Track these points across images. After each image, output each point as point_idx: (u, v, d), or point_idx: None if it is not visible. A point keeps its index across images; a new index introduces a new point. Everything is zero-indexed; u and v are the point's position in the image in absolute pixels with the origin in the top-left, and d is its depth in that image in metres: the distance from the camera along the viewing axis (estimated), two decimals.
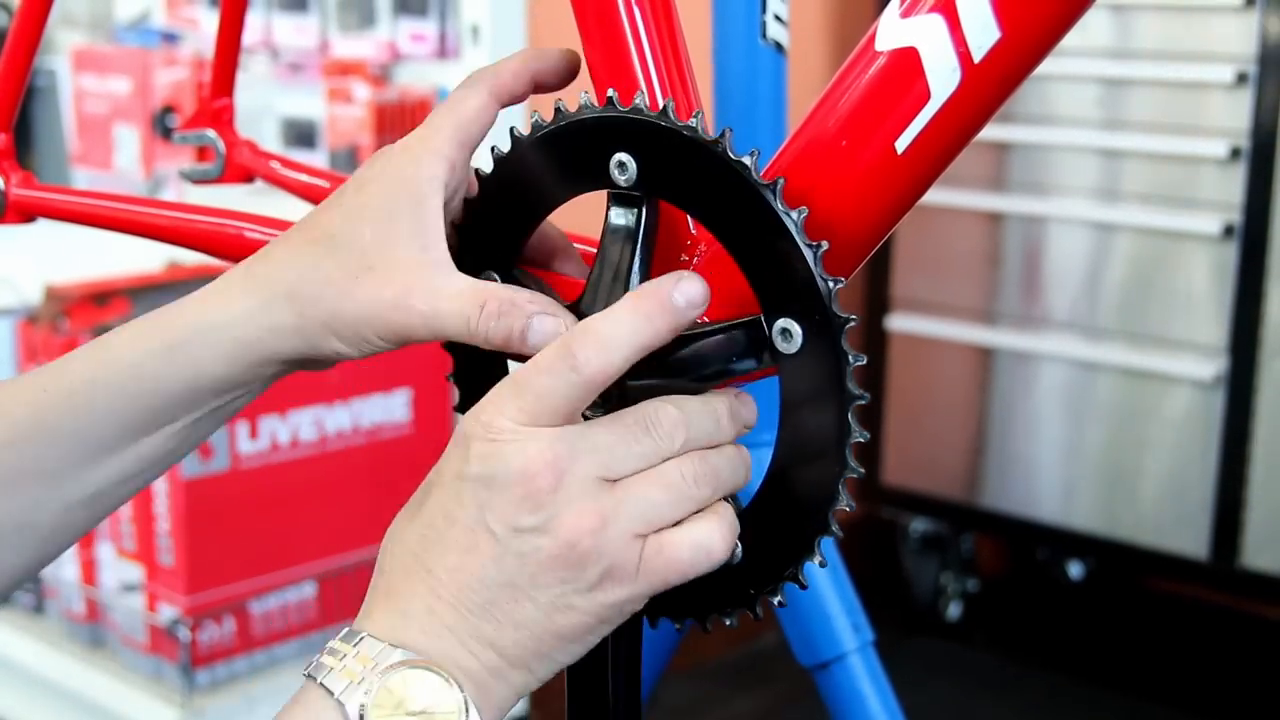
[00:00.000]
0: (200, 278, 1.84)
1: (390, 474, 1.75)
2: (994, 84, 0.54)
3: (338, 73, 2.02)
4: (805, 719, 1.74)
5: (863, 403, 0.56)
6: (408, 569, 0.55)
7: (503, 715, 0.55)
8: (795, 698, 2.20)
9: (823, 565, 0.59)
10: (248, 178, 0.99)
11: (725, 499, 0.57)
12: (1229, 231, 2.05)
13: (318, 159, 2.03)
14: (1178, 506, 2.15)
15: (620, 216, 0.60)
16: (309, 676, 0.53)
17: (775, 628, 1.06)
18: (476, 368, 0.66)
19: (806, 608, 1.03)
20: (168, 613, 1.63)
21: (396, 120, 1.96)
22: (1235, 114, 2.04)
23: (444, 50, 1.94)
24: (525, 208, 0.63)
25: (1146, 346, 2.16)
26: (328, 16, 2.06)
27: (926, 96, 0.54)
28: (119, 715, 1.68)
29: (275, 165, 0.97)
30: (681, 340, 0.58)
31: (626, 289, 0.59)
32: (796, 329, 0.56)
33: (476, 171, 0.65)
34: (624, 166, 0.59)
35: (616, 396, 0.58)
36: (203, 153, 1.01)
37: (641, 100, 0.58)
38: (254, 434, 1.63)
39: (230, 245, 0.80)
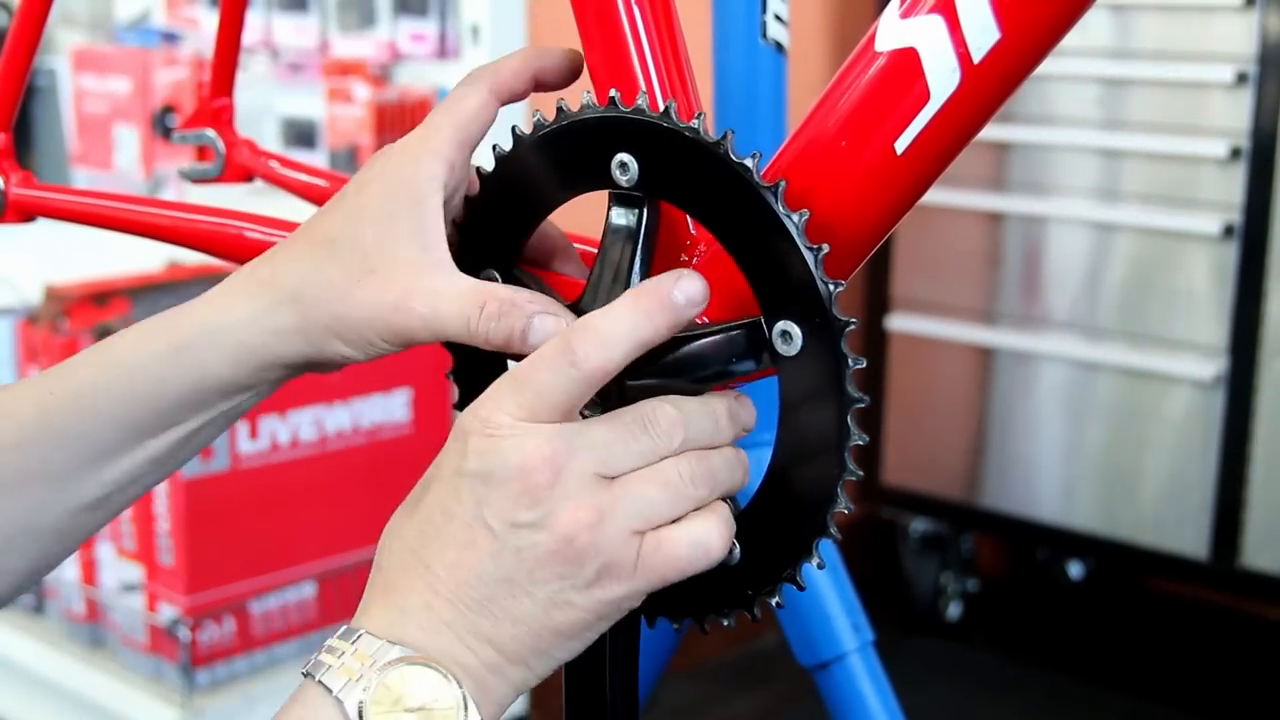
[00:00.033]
0: (200, 278, 1.84)
1: (390, 474, 1.75)
2: (994, 84, 0.54)
3: (338, 73, 2.02)
4: (805, 719, 1.74)
5: (862, 405, 0.56)
6: (405, 565, 0.55)
7: (502, 712, 0.55)
8: (795, 698, 2.20)
9: (821, 567, 0.59)
10: (247, 177, 0.99)
11: (723, 500, 0.57)
12: (1229, 231, 2.05)
13: (318, 159, 2.03)
14: (1178, 506, 2.15)
15: (621, 217, 0.60)
16: (307, 675, 0.53)
17: (775, 628, 1.06)
18: (476, 366, 0.66)
19: (806, 608, 1.03)
20: (168, 613, 1.63)
21: (396, 120, 1.96)
22: (1235, 114, 2.04)
23: (444, 50, 1.94)
24: (526, 207, 0.63)
25: (1146, 346, 2.16)
26: (328, 16, 2.06)
27: (926, 97, 0.54)
28: (119, 715, 1.69)
29: (275, 165, 0.97)
30: (681, 341, 0.58)
31: (627, 289, 0.59)
32: (796, 331, 0.56)
33: (478, 170, 0.65)
34: (625, 167, 0.59)
35: (616, 396, 0.58)
36: (202, 152, 1.01)
37: (644, 101, 0.58)
38: (254, 434, 1.63)
39: (230, 245, 0.80)
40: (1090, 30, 2.17)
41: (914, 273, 2.41)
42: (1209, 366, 2.09)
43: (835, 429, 0.56)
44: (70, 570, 1.74)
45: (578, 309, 0.61)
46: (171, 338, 0.63)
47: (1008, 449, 2.35)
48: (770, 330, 0.57)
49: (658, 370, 0.58)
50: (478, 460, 0.54)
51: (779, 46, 1.01)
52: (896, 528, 2.51)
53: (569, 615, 0.54)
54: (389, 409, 1.77)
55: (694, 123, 0.57)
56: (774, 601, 0.60)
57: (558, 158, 0.61)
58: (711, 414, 0.57)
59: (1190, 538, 2.14)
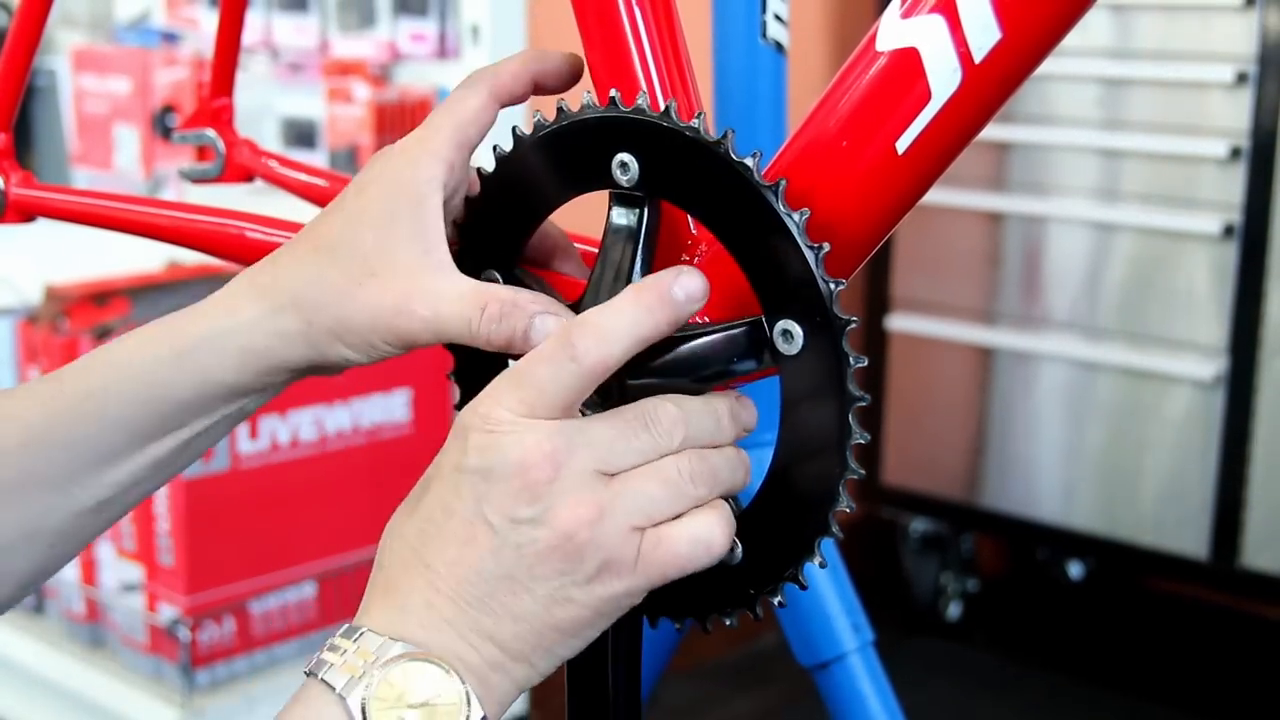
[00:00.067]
0: (200, 278, 1.84)
1: (390, 474, 1.75)
2: (995, 84, 0.54)
3: (338, 72, 2.02)
4: (805, 719, 1.74)
5: (863, 404, 0.56)
6: (406, 563, 0.55)
7: (505, 709, 0.54)
8: (795, 698, 2.20)
9: (822, 566, 0.59)
10: (247, 177, 0.99)
11: (725, 499, 0.57)
12: (1229, 231, 2.05)
13: (318, 159, 2.03)
14: (1178, 506, 2.15)
15: (622, 216, 0.60)
16: (309, 674, 0.53)
17: (775, 628, 1.06)
18: (477, 366, 0.66)
19: (806, 608, 1.03)
20: (168, 613, 1.63)
21: (396, 120, 1.96)
22: (1235, 114, 2.04)
23: (444, 50, 1.94)
24: (527, 207, 0.63)
25: (1146, 346, 2.16)
26: (328, 16, 2.06)
27: (927, 97, 0.54)
28: (119, 715, 1.68)
29: (274, 165, 0.97)
30: (682, 340, 0.58)
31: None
32: (797, 330, 0.56)
33: (479, 170, 0.65)
34: (626, 167, 0.59)
35: (617, 395, 0.58)
36: (202, 152, 1.01)
37: (644, 100, 0.58)
38: (254, 434, 1.63)
39: (230, 245, 0.80)
40: (1090, 30, 2.17)
41: (914, 273, 2.41)
42: (1209, 366, 2.09)
43: (836, 428, 0.56)
44: (70, 570, 1.74)
45: (579, 309, 0.61)
46: (175, 342, 0.63)
47: (1008, 449, 2.35)
48: (771, 329, 0.57)
49: (659, 369, 0.58)
50: (478, 457, 0.54)
51: (779, 46, 1.01)
52: (896, 528, 2.51)
53: (570, 612, 0.54)
54: (389, 409, 1.77)
55: (694, 122, 0.57)
56: (776, 600, 0.60)
57: (558, 158, 0.61)
58: (713, 413, 0.57)
59: (1190, 538, 2.14)
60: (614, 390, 0.58)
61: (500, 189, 0.64)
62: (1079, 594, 2.43)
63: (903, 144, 0.55)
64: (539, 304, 0.59)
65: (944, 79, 0.54)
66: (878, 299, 2.44)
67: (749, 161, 0.56)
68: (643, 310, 0.55)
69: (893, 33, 0.55)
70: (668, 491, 0.55)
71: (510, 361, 0.64)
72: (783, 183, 0.55)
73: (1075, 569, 2.40)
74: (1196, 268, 2.10)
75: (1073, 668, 2.35)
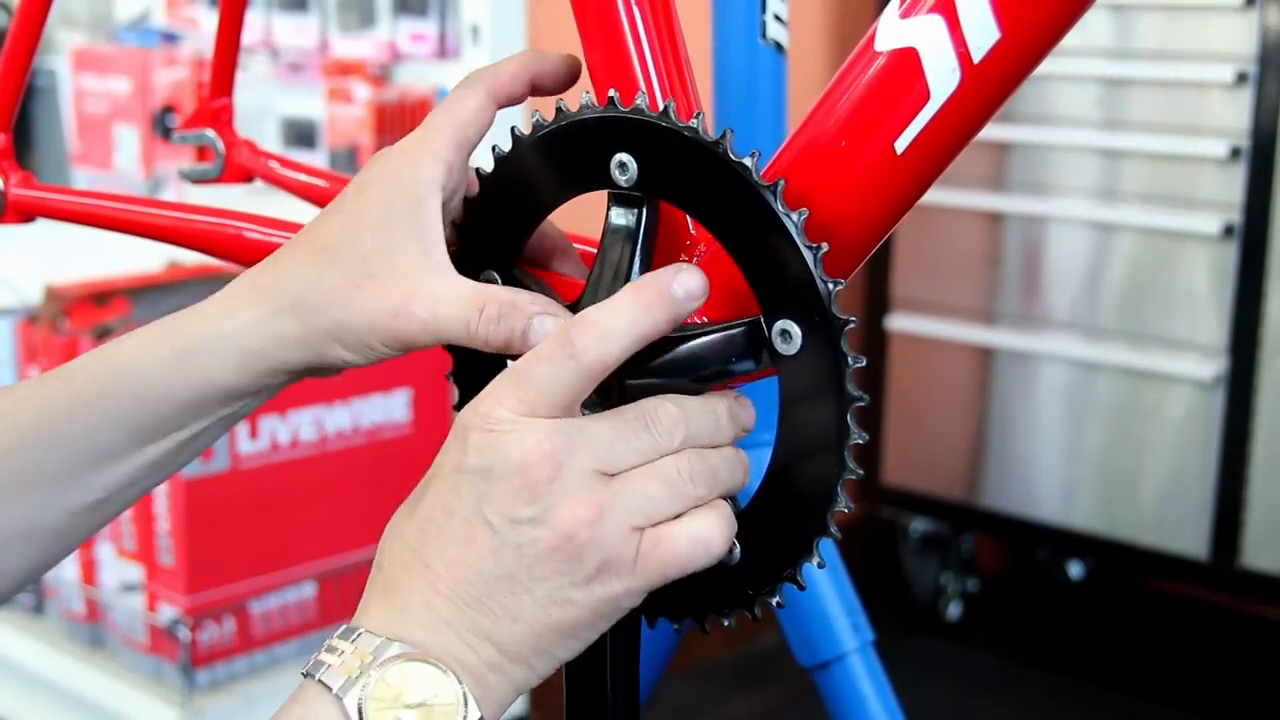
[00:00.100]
0: (200, 278, 1.84)
1: (390, 474, 1.75)
2: (994, 84, 0.54)
3: (338, 73, 2.02)
4: (805, 719, 1.74)
5: (862, 404, 0.56)
6: (405, 564, 0.55)
7: (503, 711, 0.54)
8: (795, 698, 2.20)
9: (821, 566, 0.59)
10: (247, 178, 0.99)
11: (724, 500, 0.57)
12: (1229, 231, 2.05)
13: (318, 159, 2.03)
14: (1178, 506, 2.15)
15: (620, 217, 0.60)
16: (307, 675, 0.53)
17: (775, 628, 1.06)
18: (476, 367, 0.66)
19: (806, 608, 1.03)
20: (168, 613, 1.63)
21: (396, 120, 1.96)
22: (1235, 114, 2.04)
23: (444, 50, 1.94)
24: (526, 207, 0.63)
25: (1146, 346, 2.16)
26: (328, 16, 2.06)
27: (926, 97, 0.54)
28: (119, 715, 1.68)
29: (274, 165, 0.97)
30: (681, 340, 0.58)
31: None
32: (796, 330, 0.56)
33: (477, 171, 0.65)
34: (625, 167, 0.59)
35: (616, 395, 0.58)
36: (202, 153, 1.01)
37: (643, 100, 0.58)
38: (254, 434, 1.63)
39: (229, 245, 0.80)
40: (1090, 30, 2.17)
41: (914, 273, 2.41)
42: (1209, 366, 2.09)
43: (835, 428, 0.56)
44: (70, 570, 1.74)
45: (578, 309, 0.60)
46: (174, 343, 0.64)
47: (1008, 449, 2.35)
48: (770, 329, 0.57)
49: (657, 369, 0.58)
50: (478, 456, 0.54)
51: (779, 46, 1.01)
52: (896, 528, 2.51)
53: (569, 613, 0.54)
54: (389, 409, 1.77)
55: (693, 122, 0.57)
56: (774, 601, 0.60)
57: (557, 158, 0.61)
58: (712, 413, 0.57)
59: (1190, 538, 2.14)
60: (613, 390, 0.58)
61: (499, 189, 0.64)
62: (1079, 594, 2.43)
63: (901, 144, 0.55)
64: (537, 305, 0.59)
65: (943, 79, 0.54)
66: (878, 299, 2.44)
67: (747, 161, 0.56)
68: (641, 308, 0.55)
69: (891, 33, 0.55)
70: (668, 491, 0.54)
71: (509, 362, 0.64)
72: (781, 182, 0.55)
73: (1075, 569, 2.40)
74: (1196, 268, 2.10)
75: (1073, 668, 2.35)
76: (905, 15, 0.55)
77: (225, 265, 1.46)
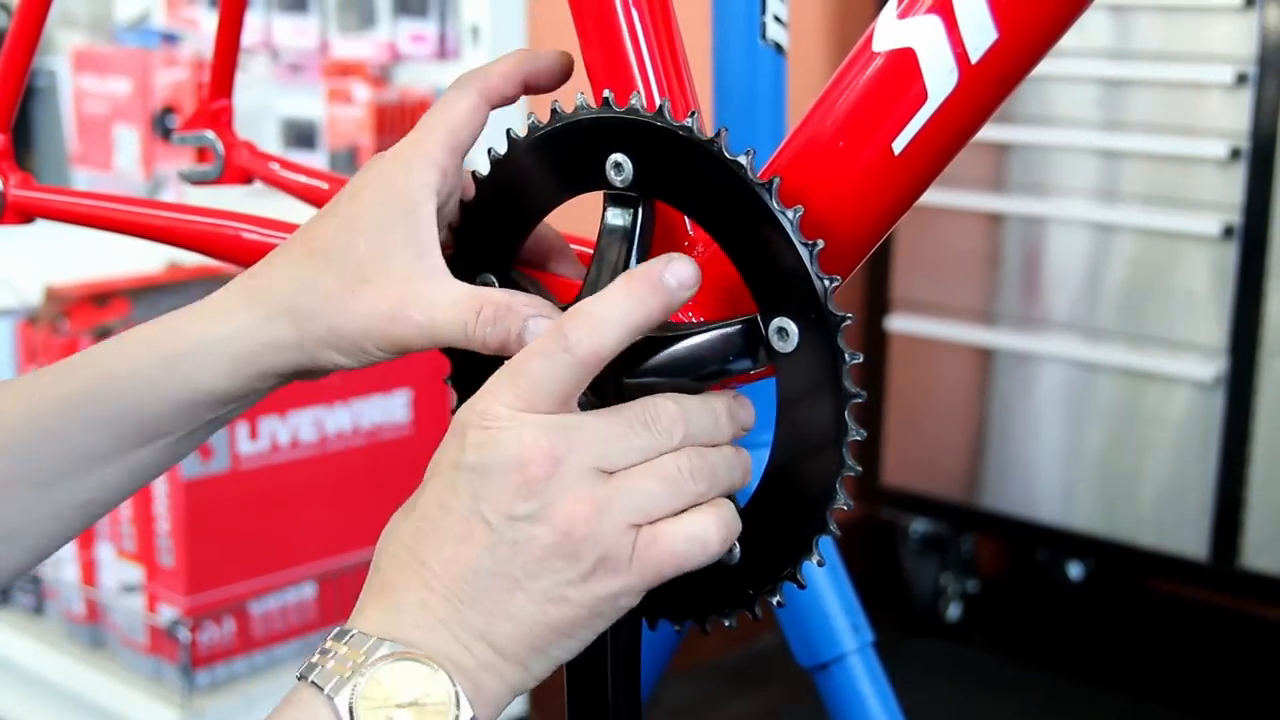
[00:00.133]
0: (200, 278, 1.85)
1: (390, 474, 1.75)
2: (991, 85, 0.54)
3: (338, 73, 2.02)
4: (805, 719, 1.74)
5: (859, 401, 0.56)
6: (401, 563, 0.54)
7: (499, 712, 0.54)
8: (795, 699, 2.20)
9: (821, 565, 0.58)
10: (247, 179, 0.99)
11: (726, 499, 0.57)
12: (1229, 232, 2.05)
13: (318, 160, 2.03)
14: (1178, 507, 2.15)
15: (617, 217, 0.60)
16: (300, 677, 0.53)
17: (775, 628, 1.06)
18: (474, 370, 0.66)
19: (806, 608, 1.03)
20: (168, 613, 1.63)
21: (396, 121, 1.96)
22: (1235, 114, 2.04)
23: (444, 51, 1.94)
24: (522, 210, 0.63)
25: (1146, 347, 2.16)
26: (328, 17, 2.06)
27: (924, 97, 0.54)
28: (119, 716, 1.69)
29: (274, 166, 0.97)
30: (677, 339, 0.58)
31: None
32: (793, 328, 0.56)
33: (474, 174, 0.65)
34: (620, 167, 0.59)
35: (613, 394, 0.58)
36: (202, 154, 1.01)
37: (637, 100, 0.58)
38: (254, 434, 1.63)
39: (228, 246, 0.80)
40: (1090, 31, 2.17)
41: (914, 273, 2.41)
42: (1209, 367, 2.09)
43: (833, 425, 0.56)
44: (70, 571, 1.75)
45: None
46: (165, 347, 0.63)
47: (1008, 449, 2.35)
48: (767, 327, 0.57)
49: (655, 368, 0.58)
50: (475, 453, 0.54)
51: (778, 47, 1.01)
52: (896, 528, 2.51)
53: (565, 611, 0.53)
54: (389, 409, 1.77)
55: (688, 121, 0.57)
56: (775, 600, 0.60)
57: (553, 160, 0.61)
58: (712, 412, 0.57)
59: (1190, 538, 2.14)
60: (610, 390, 0.58)
61: (495, 192, 0.64)
62: (1079, 594, 2.43)
63: (899, 144, 0.55)
64: (532, 306, 0.59)
65: (940, 79, 0.54)
66: (877, 299, 2.44)
67: (742, 159, 0.56)
68: (635, 299, 0.55)
69: (889, 33, 0.55)
70: (666, 489, 0.54)
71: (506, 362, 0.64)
72: (776, 180, 0.55)
73: (1075, 569, 2.40)
74: (1196, 268, 2.10)
75: (1073, 668, 2.35)
76: (903, 16, 0.55)
77: (225, 266, 1.46)
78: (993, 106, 0.55)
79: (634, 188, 0.59)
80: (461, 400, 0.67)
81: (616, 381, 0.58)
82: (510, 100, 0.65)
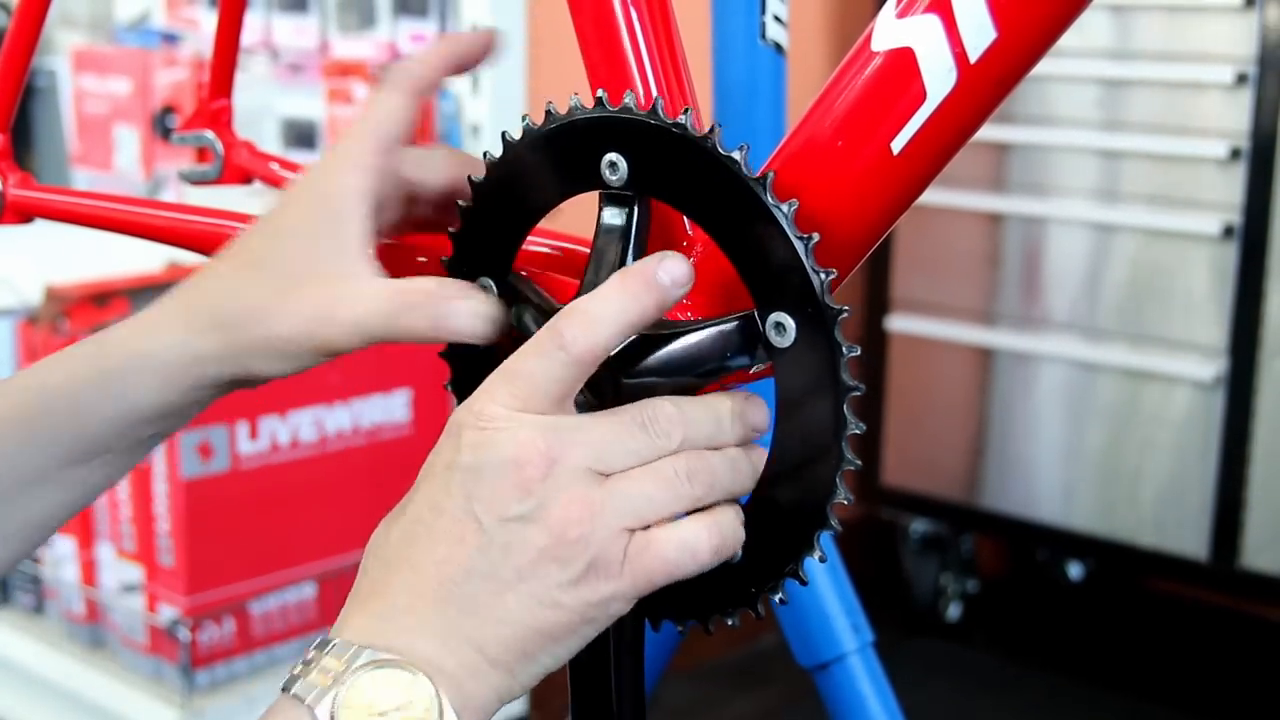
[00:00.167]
0: None
1: (390, 474, 1.75)
2: (990, 84, 0.54)
3: (338, 73, 2.02)
4: (805, 719, 1.74)
5: (858, 394, 0.56)
6: (390, 567, 0.54)
7: (485, 718, 0.53)
8: (795, 698, 2.20)
9: (822, 560, 0.58)
10: (247, 179, 0.99)
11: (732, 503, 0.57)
12: (1229, 232, 2.05)
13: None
14: (1178, 507, 2.15)
15: (613, 216, 0.60)
16: (284, 689, 0.53)
17: (775, 628, 1.06)
18: (474, 375, 0.66)
19: (806, 608, 1.03)
20: (168, 613, 1.63)
21: None
22: (1235, 114, 2.04)
23: None
24: (519, 212, 0.63)
25: (1146, 347, 2.16)
26: (328, 17, 2.06)
27: (922, 97, 0.54)
28: (119, 715, 1.69)
29: (274, 166, 0.97)
30: (675, 337, 0.58)
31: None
32: (790, 322, 0.56)
33: (469, 178, 0.65)
34: (615, 166, 0.59)
35: (612, 394, 0.58)
36: (202, 154, 1.01)
37: (631, 99, 0.58)
38: (254, 434, 1.63)
39: None
40: (1090, 31, 2.17)
41: (914, 273, 2.41)
42: (1209, 367, 2.09)
43: (833, 419, 0.56)
44: (70, 571, 1.75)
45: None
46: (100, 364, 0.64)
47: (1008, 449, 2.35)
48: (764, 323, 0.57)
49: (654, 368, 0.58)
50: (470, 454, 0.53)
51: (778, 47, 1.01)
52: (896, 528, 2.51)
53: (556, 616, 0.53)
54: (389, 409, 1.77)
55: (681, 118, 0.57)
56: (777, 598, 0.60)
57: (548, 161, 0.61)
58: (714, 413, 0.56)
59: (1190, 538, 2.14)
60: (609, 390, 0.58)
61: (491, 194, 0.64)
62: (1079, 595, 2.43)
63: (898, 144, 0.55)
64: (455, 288, 0.59)
65: (939, 79, 0.54)
66: (877, 299, 2.44)
67: (736, 155, 0.56)
68: (629, 296, 0.55)
69: (888, 33, 0.55)
70: (663, 492, 0.54)
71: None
72: (771, 175, 0.55)
73: (1075, 570, 2.40)
74: (1196, 268, 2.10)
75: (1073, 668, 2.35)
76: (901, 15, 0.55)
77: None
78: (992, 106, 0.55)
79: (629, 186, 0.59)
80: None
81: (615, 381, 0.58)
82: (437, 85, 0.66)
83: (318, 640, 0.54)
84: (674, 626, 0.63)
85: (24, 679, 1.83)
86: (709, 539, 0.54)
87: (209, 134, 0.99)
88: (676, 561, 0.54)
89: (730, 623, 0.61)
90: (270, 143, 2.10)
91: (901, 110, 0.55)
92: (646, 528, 0.54)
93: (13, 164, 0.93)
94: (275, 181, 0.96)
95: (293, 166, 0.96)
